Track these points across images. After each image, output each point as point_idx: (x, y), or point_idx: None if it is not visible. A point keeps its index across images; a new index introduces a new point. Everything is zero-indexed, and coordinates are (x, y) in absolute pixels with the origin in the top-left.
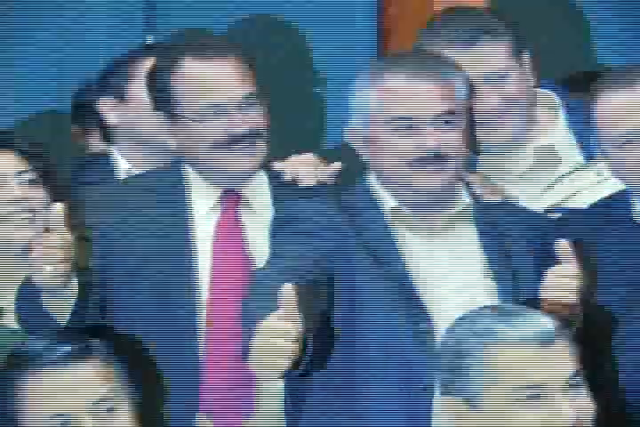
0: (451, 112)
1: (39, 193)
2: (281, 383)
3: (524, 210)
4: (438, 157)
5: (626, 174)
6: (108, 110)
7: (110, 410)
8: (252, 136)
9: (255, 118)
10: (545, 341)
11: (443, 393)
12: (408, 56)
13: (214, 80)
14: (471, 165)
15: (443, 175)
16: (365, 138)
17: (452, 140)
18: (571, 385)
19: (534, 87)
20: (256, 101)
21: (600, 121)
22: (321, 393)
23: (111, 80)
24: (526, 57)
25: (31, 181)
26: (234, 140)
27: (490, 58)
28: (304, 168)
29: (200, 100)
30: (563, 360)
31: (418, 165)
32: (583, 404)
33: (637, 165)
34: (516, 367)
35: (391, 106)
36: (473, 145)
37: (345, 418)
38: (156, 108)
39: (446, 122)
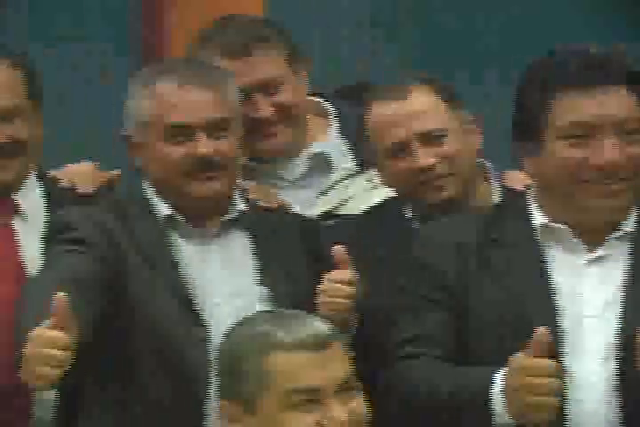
0: (224, 120)
1: None
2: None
3: (299, 216)
4: (213, 165)
5: (395, 183)
6: None
7: None
8: (11, 147)
9: (17, 129)
10: (319, 345)
11: (220, 397)
12: (181, 63)
13: None
14: (247, 172)
15: (217, 183)
16: (139, 145)
17: (226, 147)
18: (343, 389)
19: (307, 96)
20: (22, 112)
21: (372, 131)
22: (95, 402)
23: None
24: (300, 66)
25: None
26: None
27: (264, 66)
28: (80, 176)
29: None
30: (336, 364)
31: (192, 173)
32: (356, 407)
33: (405, 175)
34: (290, 371)
35: (164, 113)
36: (248, 152)
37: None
38: None
39: (220, 129)
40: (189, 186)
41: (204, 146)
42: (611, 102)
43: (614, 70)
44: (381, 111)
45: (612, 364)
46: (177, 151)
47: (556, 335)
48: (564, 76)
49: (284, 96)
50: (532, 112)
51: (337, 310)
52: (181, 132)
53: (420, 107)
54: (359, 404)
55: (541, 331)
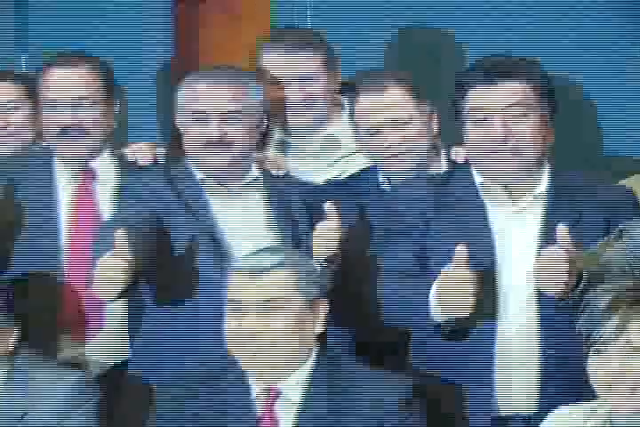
0: (237, 111)
1: None
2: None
3: (300, 180)
4: (222, 143)
5: (374, 156)
6: None
7: None
8: (80, 130)
9: (86, 117)
10: (257, 272)
11: None
12: (214, 69)
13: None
14: (280, 145)
15: (226, 156)
16: (177, 126)
17: (236, 131)
18: (267, 306)
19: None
20: (90, 102)
21: (357, 116)
22: (152, 313)
23: None
24: (335, 66)
25: None
26: (63, 132)
27: (305, 63)
28: (140, 152)
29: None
30: (266, 285)
31: (207, 148)
32: (271, 321)
33: (382, 148)
34: (230, 286)
35: (192, 103)
36: (283, 127)
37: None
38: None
39: (232, 118)
40: (205, 157)
41: (214, 129)
42: (502, 93)
43: (509, 69)
44: (365, 101)
45: (532, 283)
46: (197, 131)
47: (491, 264)
48: (472, 76)
49: (315, 88)
50: (456, 103)
51: (326, 249)
52: (202, 117)
53: (396, 99)
54: (276, 320)
55: (461, 248)
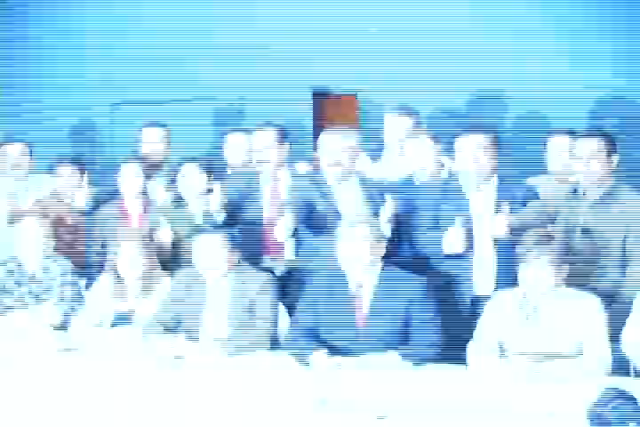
0: (345, 148)
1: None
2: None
3: (376, 180)
4: (339, 163)
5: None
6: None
7: None
8: (264, 161)
9: (269, 154)
10: (353, 224)
11: None
12: (334, 128)
13: None
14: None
15: (341, 169)
16: (317, 155)
17: (346, 157)
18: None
19: None
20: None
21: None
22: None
23: None
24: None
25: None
26: (256, 162)
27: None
28: (300, 166)
29: None
30: (360, 236)
31: (331, 166)
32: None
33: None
34: (344, 233)
35: (323, 144)
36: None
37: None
38: None
39: (343, 151)
40: (332, 170)
41: (334, 157)
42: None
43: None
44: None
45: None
46: (325, 158)
47: (471, 221)
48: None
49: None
50: None
51: (386, 217)
52: (326, 151)
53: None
54: (363, 247)
55: (458, 217)
